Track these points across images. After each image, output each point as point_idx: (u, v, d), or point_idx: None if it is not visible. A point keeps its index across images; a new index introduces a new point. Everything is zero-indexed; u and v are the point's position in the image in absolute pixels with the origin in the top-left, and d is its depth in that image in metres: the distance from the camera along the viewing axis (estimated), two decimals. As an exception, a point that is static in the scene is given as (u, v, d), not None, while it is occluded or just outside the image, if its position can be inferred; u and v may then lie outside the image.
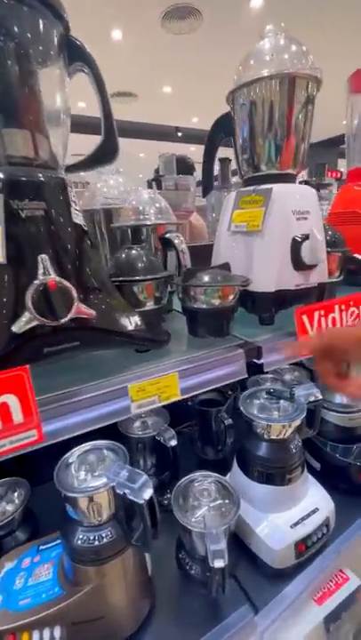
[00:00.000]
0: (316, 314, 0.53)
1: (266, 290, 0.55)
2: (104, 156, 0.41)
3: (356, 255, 0.68)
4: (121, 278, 0.50)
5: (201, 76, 4.81)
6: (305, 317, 0.52)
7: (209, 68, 4.54)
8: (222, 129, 0.61)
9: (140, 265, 0.52)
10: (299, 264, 0.54)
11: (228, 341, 0.52)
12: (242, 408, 0.75)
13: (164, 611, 0.67)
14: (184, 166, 2.16)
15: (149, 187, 1.49)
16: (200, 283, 0.49)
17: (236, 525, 0.77)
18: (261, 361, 0.50)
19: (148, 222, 0.60)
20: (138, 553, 0.61)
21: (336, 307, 0.56)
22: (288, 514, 0.74)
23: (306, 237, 0.53)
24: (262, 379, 1.18)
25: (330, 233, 0.72)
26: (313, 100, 0.55)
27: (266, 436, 0.74)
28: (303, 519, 0.74)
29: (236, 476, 0.81)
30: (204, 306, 0.50)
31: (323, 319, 0.54)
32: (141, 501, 0.51)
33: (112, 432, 0.95)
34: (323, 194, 1.88)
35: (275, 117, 0.53)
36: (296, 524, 0.73)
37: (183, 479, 0.75)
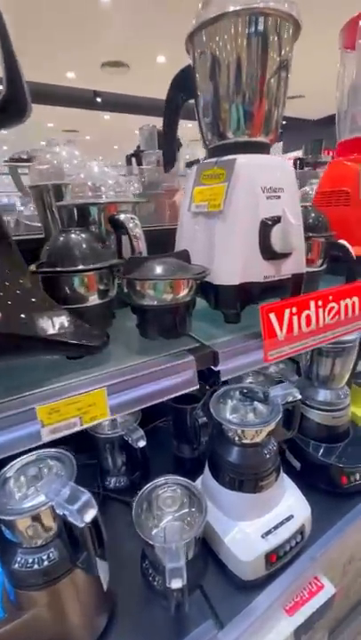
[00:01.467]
0: (287, 312, 0.46)
1: (229, 283, 0.46)
2: (8, 114, 0.31)
3: (342, 241, 0.59)
4: (47, 269, 0.42)
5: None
6: (273, 316, 0.44)
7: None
8: (183, 88, 0.51)
9: (77, 252, 0.43)
10: (268, 252, 0.46)
11: (183, 344, 0.44)
12: (212, 410, 0.68)
13: (123, 625, 0.63)
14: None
15: (128, 163, 1.37)
16: (144, 275, 0.41)
17: (206, 532, 0.72)
18: (219, 368, 0.43)
19: (96, 200, 0.51)
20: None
21: (311, 303, 0.48)
22: (260, 522, 0.69)
23: (277, 220, 0.44)
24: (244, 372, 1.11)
25: (312, 215, 0.63)
26: (289, 52, 0.45)
27: (237, 441, 0.68)
28: (276, 527, 0.69)
29: (207, 479, 0.76)
30: (153, 302, 0.42)
31: (295, 318, 0.47)
32: (81, 525, 0.45)
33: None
34: (319, 173, 1.76)
35: (242, 70, 0.43)
36: (268, 532, 0.68)
37: (147, 485, 0.69)
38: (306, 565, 0.71)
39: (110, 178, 0.55)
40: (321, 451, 0.89)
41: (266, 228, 0.45)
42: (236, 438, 0.68)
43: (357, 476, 0.86)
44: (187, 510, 0.68)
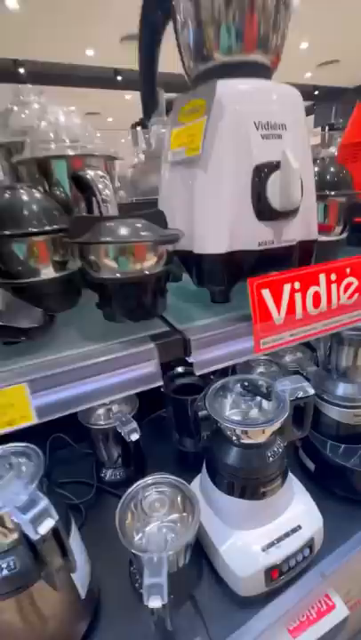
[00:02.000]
0: (287, 287, 0.35)
1: (213, 251, 0.36)
2: None
3: (366, 201, 0.47)
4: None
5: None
6: (266, 293, 0.34)
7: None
8: (161, 3, 0.39)
9: (21, 213, 0.35)
10: (264, 210, 0.35)
11: (153, 328, 0.35)
12: (207, 405, 0.60)
13: (103, 633, 0.57)
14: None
15: (134, 127, 1.26)
16: (90, 239, 0.31)
17: (201, 538, 0.65)
18: (192, 359, 0.33)
19: (57, 153, 0.42)
20: (64, 576, 0.51)
21: (322, 276, 0.37)
22: (261, 532, 0.60)
23: (276, 166, 0.33)
24: (254, 361, 1.01)
25: (330, 169, 0.50)
26: None
27: (235, 441, 0.59)
28: (280, 540, 0.60)
29: (204, 480, 0.68)
30: (113, 275, 0.33)
31: (298, 295, 0.36)
32: (35, 537, 0.38)
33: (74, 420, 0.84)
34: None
35: None
36: (270, 545, 0.59)
37: (133, 486, 0.62)
38: (315, 583, 0.63)
39: (82, 128, 0.46)
40: (339, 452, 0.78)
41: (261, 177, 0.34)
42: (235, 438, 0.59)
43: (381, 483, 0.74)
44: (177, 515, 0.60)
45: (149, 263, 0.33)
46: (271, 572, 0.58)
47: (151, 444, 0.94)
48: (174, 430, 0.90)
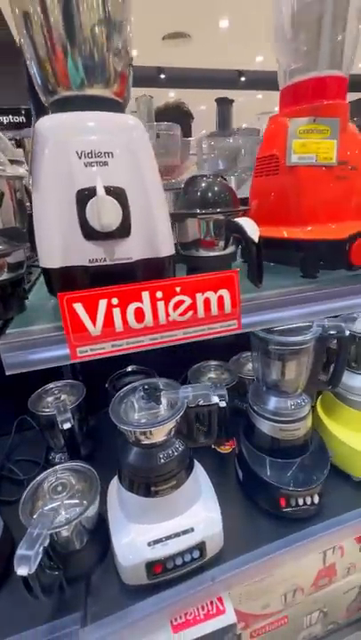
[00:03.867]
0: (104, 302, 0.38)
1: (49, 265, 0.41)
2: None
3: (239, 219, 0.47)
4: None
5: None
6: (79, 306, 0.37)
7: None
8: None
9: None
10: (89, 231, 0.39)
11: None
12: (110, 408, 0.64)
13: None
14: (178, 114, 1.89)
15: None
16: None
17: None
18: (6, 360, 0.38)
19: None
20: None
21: (145, 294, 0.39)
22: (154, 528, 0.64)
23: (94, 192, 0.37)
24: (205, 367, 1.03)
25: (215, 188, 0.51)
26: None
27: (130, 439, 0.63)
28: (169, 538, 0.63)
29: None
30: None
31: (116, 310, 0.39)
32: None
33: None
34: None
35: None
36: (157, 541, 0.62)
37: (49, 470, 0.69)
38: (204, 586, 0.65)
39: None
40: (265, 465, 0.78)
41: (83, 201, 0.38)
42: (130, 436, 0.63)
43: (300, 501, 0.73)
44: (77, 501, 0.66)
45: (-17, 274, 0.39)
46: (154, 566, 0.61)
47: (103, 435, 1.01)
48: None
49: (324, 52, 0.48)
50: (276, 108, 0.57)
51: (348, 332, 0.71)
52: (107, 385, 0.93)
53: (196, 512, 0.67)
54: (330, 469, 0.83)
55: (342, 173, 0.51)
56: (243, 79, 6.78)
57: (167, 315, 0.41)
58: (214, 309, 0.43)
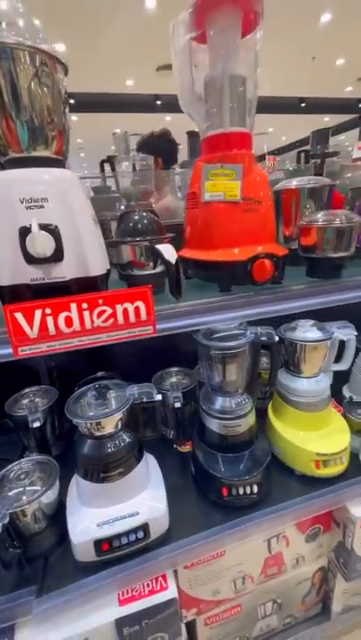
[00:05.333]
0: (39, 312, 0.49)
1: (0, 284, 0.52)
2: None
3: (159, 246, 0.58)
4: None
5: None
6: (19, 315, 0.48)
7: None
8: None
9: None
10: (29, 257, 0.51)
11: None
12: (66, 407, 0.74)
13: None
14: (165, 142, 2.04)
15: (101, 169, 1.46)
16: None
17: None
18: None
19: None
20: None
21: (73, 305, 0.51)
22: (102, 511, 0.73)
23: (30, 229, 0.49)
24: (167, 372, 1.13)
25: (144, 220, 0.63)
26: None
27: (84, 431, 0.73)
28: (116, 520, 0.72)
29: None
30: None
31: (49, 318, 0.50)
32: None
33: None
34: (335, 166, 1.58)
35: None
36: (105, 522, 0.71)
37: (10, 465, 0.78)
38: (149, 563, 0.73)
39: None
40: (211, 459, 0.87)
41: (23, 234, 0.50)
42: (82, 427, 0.72)
43: (240, 491, 0.82)
44: (38, 488, 0.75)
45: None
46: (102, 544, 0.70)
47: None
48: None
49: (226, 115, 0.61)
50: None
51: (277, 338, 0.81)
52: (75, 388, 1.03)
53: (143, 498, 0.76)
54: (279, 466, 0.92)
55: (248, 207, 0.63)
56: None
57: (92, 321, 0.52)
58: (132, 317, 0.54)
